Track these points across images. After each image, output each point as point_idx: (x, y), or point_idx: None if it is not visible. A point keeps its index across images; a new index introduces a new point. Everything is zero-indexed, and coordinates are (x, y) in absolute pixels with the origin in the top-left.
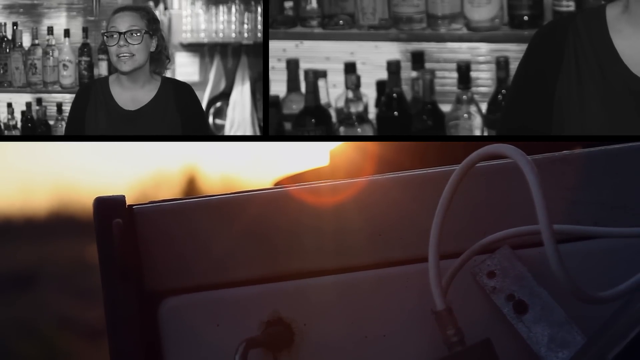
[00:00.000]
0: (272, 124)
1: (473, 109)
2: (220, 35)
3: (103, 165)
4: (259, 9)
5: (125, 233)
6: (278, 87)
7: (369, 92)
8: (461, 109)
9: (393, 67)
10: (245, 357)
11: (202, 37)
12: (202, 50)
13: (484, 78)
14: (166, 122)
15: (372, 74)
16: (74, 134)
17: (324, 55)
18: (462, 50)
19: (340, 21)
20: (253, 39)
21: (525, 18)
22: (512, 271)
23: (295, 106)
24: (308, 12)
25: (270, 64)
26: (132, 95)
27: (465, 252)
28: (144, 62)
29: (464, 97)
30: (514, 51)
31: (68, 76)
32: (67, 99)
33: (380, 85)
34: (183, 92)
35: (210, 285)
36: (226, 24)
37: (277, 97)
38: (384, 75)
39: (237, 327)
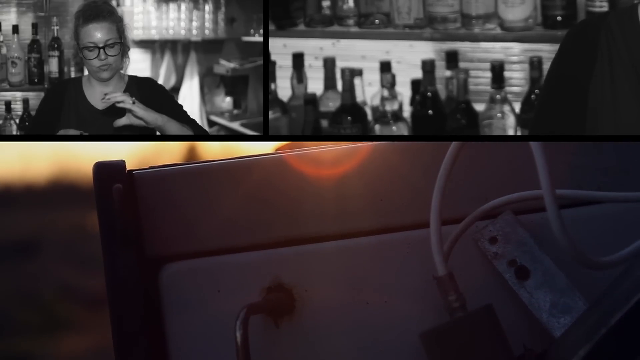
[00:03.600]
0: (309, 121)
1: (506, 108)
2: (171, 32)
3: None
4: (207, 7)
5: (125, 198)
6: (315, 84)
7: (404, 91)
8: (495, 108)
9: (428, 66)
10: (247, 323)
11: (153, 34)
12: (154, 46)
13: (517, 78)
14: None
15: (407, 73)
16: (45, 128)
17: (359, 54)
18: (496, 50)
19: (376, 20)
20: (201, 35)
21: (559, 18)
22: (514, 237)
23: (332, 104)
24: (345, 11)
25: (308, 62)
26: (102, 95)
27: (467, 217)
28: (119, 67)
29: (498, 96)
30: (547, 51)
31: (17, 73)
32: (18, 97)
33: (415, 84)
34: (146, 87)
35: (211, 251)
36: (176, 21)
37: (314, 94)
38: (418, 74)
39: (238, 293)
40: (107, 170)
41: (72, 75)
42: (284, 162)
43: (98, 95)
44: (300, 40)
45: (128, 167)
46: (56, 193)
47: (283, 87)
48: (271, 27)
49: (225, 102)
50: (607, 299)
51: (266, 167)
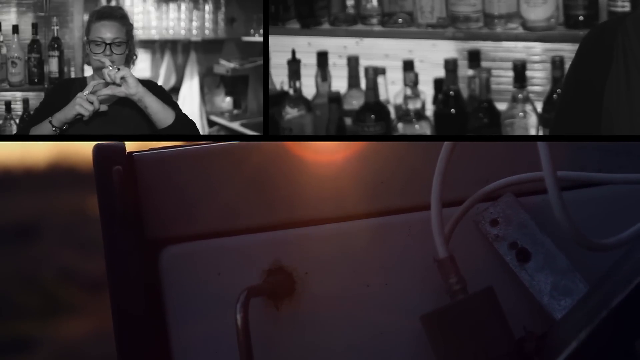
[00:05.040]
0: (333, 120)
1: (528, 107)
2: (171, 32)
3: None
4: (207, 7)
5: (125, 180)
6: (339, 83)
7: (427, 90)
8: (517, 107)
9: (450, 65)
10: (247, 305)
11: (153, 34)
12: (154, 46)
13: (538, 77)
14: (135, 115)
15: (429, 72)
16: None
17: (383, 52)
18: (518, 49)
19: (400, 19)
20: (201, 35)
21: (581, 18)
22: (515, 219)
23: (356, 102)
24: (368, 10)
25: (332, 61)
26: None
27: (468, 199)
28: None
29: (520, 95)
30: (569, 51)
31: (17, 73)
32: (18, 97)
33: (438, 83)
34: (147, 88)
35: (212, 234)
36: (176, 21)
37: (338, 93)
38: (441, 73)
39: (238, 275)
40: (107, 152)
41: (72, 75)
42: (284, 147)
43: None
44: (325, 38)
45: (128, 149)
46: (56, 176)
47: (307, 85)
48: (296, 25)
49: (225, 102)
50: (608, 281)
51: (266, 151)
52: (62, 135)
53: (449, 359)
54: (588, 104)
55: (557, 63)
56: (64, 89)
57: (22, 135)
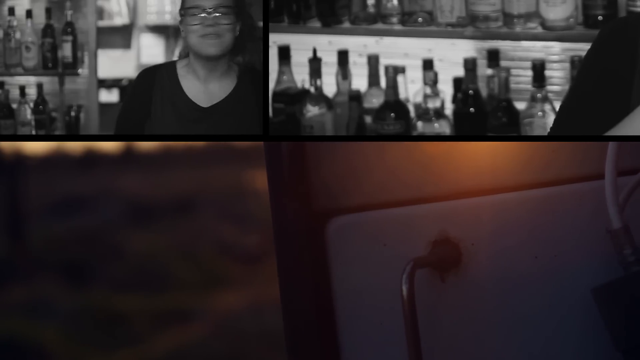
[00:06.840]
0: (353, 117)
1: (547, 107)
2: None
3: None
4: None
5: (293, 153)
6: (359, 81)
7: (446, 89)
8: (536, 107)
9: (469, 65)
10: (413, 276)
11: (167, 19)
12: (167, 32)
13: (557, 77)
14: (245, 118)
15: (448, 71)
16: (130, 126)
17: (402, 51)
18: (537, 48)
19: (419, 18)
20: None
21: (600, 18)
22: None
23: (376, 100)
24: (389, 9)
25: (352, 59)
26: (206, 88)
27: None
28: (231, 46)
29: (539, 95)
30: None
31: (31, 58)
32: (32, 81)
33: (457, 82)
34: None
35: (378, 205)
36: None
37: (358, 91)
38: (460, 72)
39: (404, 246)
40: None
41: (86, 60)
42: None
43: (200, 88)
44: (345, 37)
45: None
46: (213, 152)
47: (328, 84)
48: (317, 23)
49: None
50: None
51: None
52: (62, 135)
53: (622, 334)
54: (613, 100)
55: (576, 63)
56: (149, 77)
57: (23, 135)
